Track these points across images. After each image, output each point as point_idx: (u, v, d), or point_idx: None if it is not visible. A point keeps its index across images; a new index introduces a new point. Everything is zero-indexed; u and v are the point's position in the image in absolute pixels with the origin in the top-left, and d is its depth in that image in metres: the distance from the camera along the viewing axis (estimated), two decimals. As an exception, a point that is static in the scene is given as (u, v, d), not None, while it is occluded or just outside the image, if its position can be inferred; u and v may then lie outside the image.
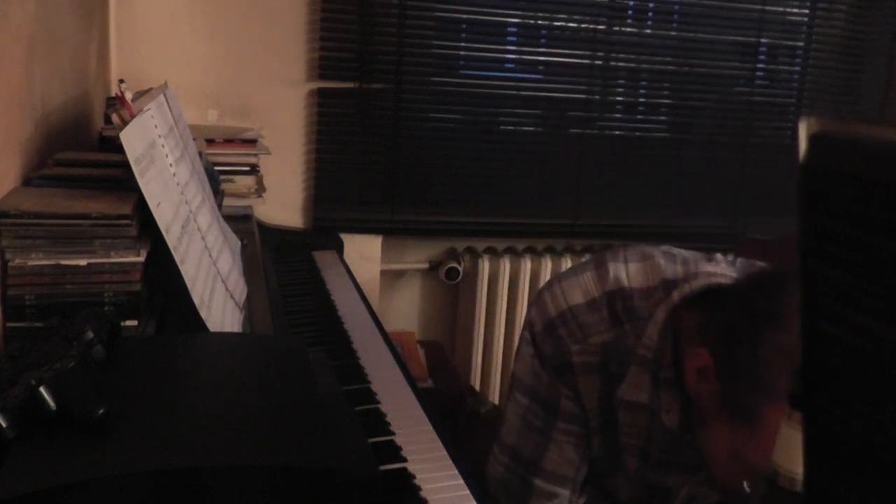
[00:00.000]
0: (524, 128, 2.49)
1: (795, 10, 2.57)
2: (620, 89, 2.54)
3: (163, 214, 1.01)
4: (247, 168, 1.97)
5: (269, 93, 2.22)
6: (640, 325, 1.08)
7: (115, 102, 1.62)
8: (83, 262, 1.01)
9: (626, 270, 1.13)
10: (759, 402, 0.93)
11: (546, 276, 2.44)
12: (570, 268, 1.23)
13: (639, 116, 2.58)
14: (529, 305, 1.21)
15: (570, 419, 1.14)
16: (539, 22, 2.42)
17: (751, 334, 0.95)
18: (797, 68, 2.62)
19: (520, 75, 2.44)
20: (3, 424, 0.69)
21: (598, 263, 1.16)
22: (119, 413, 0.73)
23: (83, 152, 1.41)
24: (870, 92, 2.67)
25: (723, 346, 0.99)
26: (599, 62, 2.46)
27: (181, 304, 1.03)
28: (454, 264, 2.43)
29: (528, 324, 1.18)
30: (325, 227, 2.30)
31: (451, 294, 2.54)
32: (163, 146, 1.16)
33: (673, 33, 2.51)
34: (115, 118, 1.45)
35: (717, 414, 1.00)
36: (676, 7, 2.49)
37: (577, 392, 1.12)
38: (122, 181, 1.13)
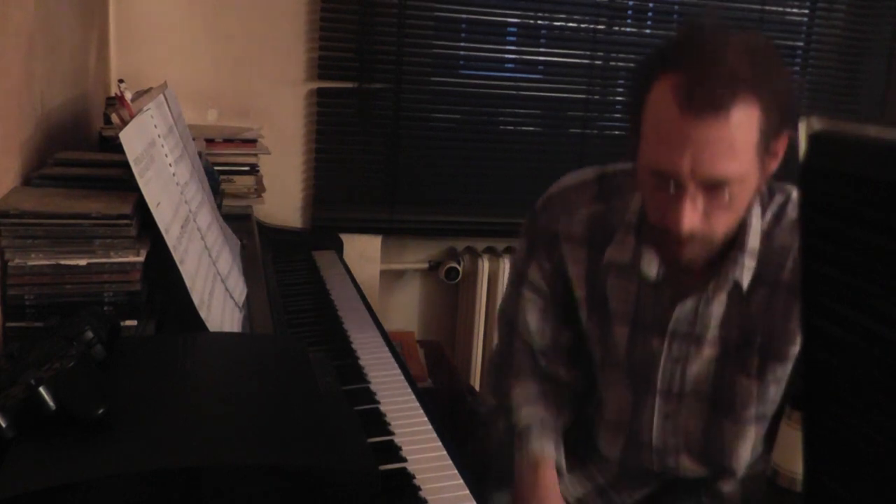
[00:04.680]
0: (524, 128, 2.49)
1: (795, 10, 2.57)
2: (620, 89, 2.54)
3: (162, 214, 1.01)
4: (247, 168, 1.97)
5: (269, 93, 2.22)
6: (626, 199, 1.18)
7: (115, 102, 1.62)
8: (83, 262, 1.01)
9: (619, 164, 1.25)
10: (638, 124, 1.03)
11: (546, 276, 2.44)
12: None
13: (639, 116, 2.59)
14: None
15: (534, 288, 1.28)
16: (539, 22, 2.42)
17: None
18: (797, 68, 2.62)
19: (519, 75, 2.44)
20: (3, 424, 0.69)
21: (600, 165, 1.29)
22: (119, 413, 0.73)
23: (83, 152, 1.41)
24: (870, 92, 2.66)
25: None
26: (599, 62, 2.46)
27: (181, 304, 1.03)
28: (454, 264, 2.43)
29: (530, 208, 1.30)
30: (325, 227, 2.30)
31: (451, 294, 2.54)
32: (162, 146, 1.16)
33: (673, 33, 2.50)
34: (114, 118, 1.46)
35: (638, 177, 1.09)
36: (676, 7, 2.49)
37: (562, 262, 1.23)
38: (122, 181, 1.13)
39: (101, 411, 0.72)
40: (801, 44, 2.60)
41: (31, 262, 0.99)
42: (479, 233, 2.49)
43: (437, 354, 2.22)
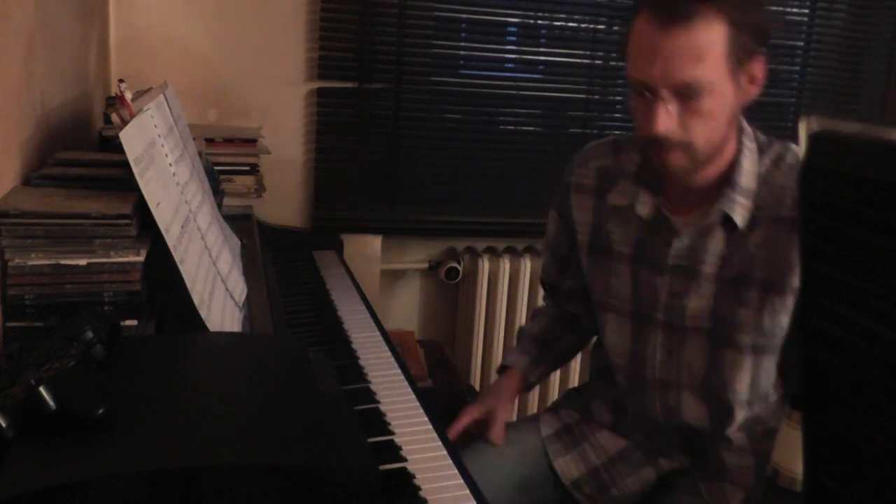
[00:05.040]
0: (524, 128, 2.48)
1: (795, 10, 2.57)
2: (620, 89, 2.54)
3: (162, 214, 1.01)
4: (247, 168, 1.96)
5: (269, 93, 2.22)
6: (631, 155, 1.31)
7: (115, 102, 1.62)
8: (83, 262, 1.01)
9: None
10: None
11: (546, 276, 2.44)
12: None
13: (639, 116, 2.58)
14: None
15: (547, 234, 1.47)
16: (539, 22, 2.42)
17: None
18: (797, 68, 2.62)
19: (520, 75, 2.44)
20: (3, 424, 0.69)
21: None
22: (119, 413, 0.73)
23: (83, 152, 1.41)
24: (870, 92, 2.66)
25: None
26: (599, 62, 2.46)
27: (181, 304, 1.03)
28: (454, 264, 2.43)
29: None
30: (325, 227, 2.30)
31: (451, 294, 2.54)
32: (162, 146, 1.16)
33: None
34: (114, 118, 1.45)
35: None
36: (676, 7, 2.49)
37: (570, 210, 1.38)
38: (122, 181, 1.13)
39: (101, 411, 0.72)
40: (801, 44, 2.60)
41: (31, 262, 0.99)
42: (479, 233, 2.49)
43: (437, 354, 2.22)
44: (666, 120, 1.10)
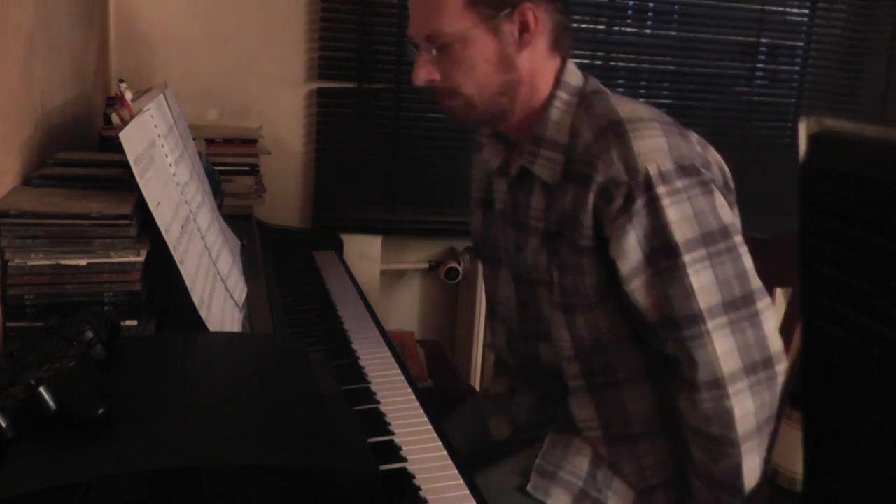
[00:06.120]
0: (524, 128, 2.48)
1: (795, 10, 2.57)
2: (620, 89, 2.54)
3: (162, 214, 1.01)
4: (247, 168, 1.96)
5: (269, 93, 2.22)
6: None
7: (115, 102, 1.62)
8: (83, 262, 1.01)
9: None
10: None
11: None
12: None
13: (639, 116, 2.58)
14: None
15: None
16: (539, 22, 2.42)
17: None
18: (797, 68, 2.62)
19: (520, 75, 2.44)
20: (3, 424, 0.69)
21: None
22: (119, 413, 0.73)
23: (83, 152, 1.41)
24: (870, 92, 2.66)
25: None
26: (599, 62, 2.46)
27: (181, 304, 1.03)
28: (454, 264, 2.43)
29: None
30: (325, 227, 2.30)
31: (451, 294, 2.54)
32: (162, 146, 1.16)
33: (673, 33, 2.51)
34: (114, 118, 1.45)
35: None
36: (676, 7, 2.49)
37: (472, 169, 1.49)
38: (122, 181, 1.13)
39: (101, 411, 0.72)
40: (801, 44, 2.60)
41: (31, 262, 0.99)
42: (479, 233, 2.49)
43: (437, 354, 2.22)
44: (420, 70, 1.15)
